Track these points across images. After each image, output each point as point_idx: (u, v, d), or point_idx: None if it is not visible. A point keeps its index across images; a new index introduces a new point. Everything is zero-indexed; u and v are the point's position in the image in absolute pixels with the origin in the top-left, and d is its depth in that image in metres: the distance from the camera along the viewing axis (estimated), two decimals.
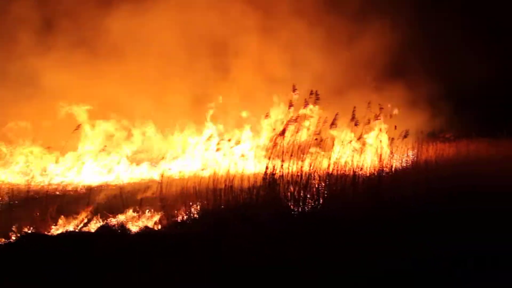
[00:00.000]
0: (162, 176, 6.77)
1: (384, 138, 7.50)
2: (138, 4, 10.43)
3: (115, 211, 6.52)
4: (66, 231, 6.06)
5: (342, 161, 7.12)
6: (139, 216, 6.54)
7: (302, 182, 6.70)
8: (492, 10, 16.13)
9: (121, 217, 6.48)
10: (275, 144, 6.55)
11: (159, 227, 6.46)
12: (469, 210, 6.47)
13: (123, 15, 10.11)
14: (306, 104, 6.77)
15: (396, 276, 4.50)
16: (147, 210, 6.64)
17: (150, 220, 6.55)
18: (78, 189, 7.16)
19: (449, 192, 7.07)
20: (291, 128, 6.72)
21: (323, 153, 6.98)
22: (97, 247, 5.53)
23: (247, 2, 11.35)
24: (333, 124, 6.87)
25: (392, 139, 7.34)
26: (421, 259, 4.91)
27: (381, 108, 7.13)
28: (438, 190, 7.17)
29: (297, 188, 6.68)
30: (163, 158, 7.71)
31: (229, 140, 6.99)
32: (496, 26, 16.32)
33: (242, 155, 6.78)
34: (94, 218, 6.29)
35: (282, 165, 6.71)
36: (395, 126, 7.50)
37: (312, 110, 6.98)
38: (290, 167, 6.79)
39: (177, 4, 10.74)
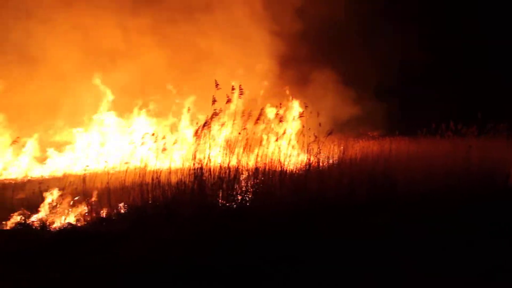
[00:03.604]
0: (85, 170, 6.57)
1: (309, 134, 7.73)
2: None
3: (35, 207, 6.26)
4: None
5: (269, 157, 7.28)
6: (61, 213, 6.32)
7: (230, 177, 6.77)
8: None
9: (41, 214, 6.23)
10: (198, 137, 6.55)
11: (83, 223, 6.28)
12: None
13: None
14: (228, 100, 6.83)
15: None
16: (70, 206, 6.43)
17: (73, 216, 6.35)
18: None
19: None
20: (216, 123, 6.76)
21: (249, 148, 7.10)
22: (12, 245, 5.30)
23: None
24: (258, 120, 6.99)
25: (316, 136, 7.60)
26: None
27: (306, 106, 7.36)
28: (359, 185, 7.54)
29: (224, 184, 6.75)
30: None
31: (153, 134, 6.90)
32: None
33: (164, 149, 6.72)
34: (11, 215, 6.00)
35: (209, 159, 6.74)
36: (320, 124, 7.77)
37: (237, 104, 7.05)
38: (216, 162, 6.84)
39: None
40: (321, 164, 8.15)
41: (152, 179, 6.60)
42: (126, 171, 6.68)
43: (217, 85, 6.66)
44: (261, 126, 7.19)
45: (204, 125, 6.57)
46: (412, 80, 17.16)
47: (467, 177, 8.09)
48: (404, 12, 16.62)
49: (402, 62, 15.37)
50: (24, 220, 6.03)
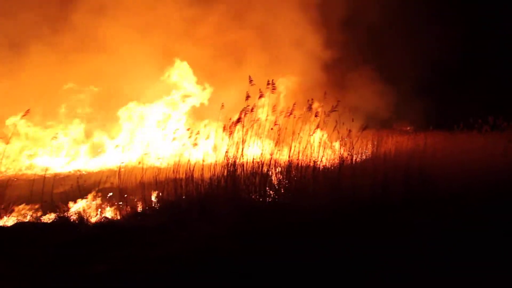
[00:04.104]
0: (121, 165, 6.66)
1: (342, 130, 7.62)
2: None
3: (72, 201, 6.40)
4: (21, 222, 5.91)
5: (302, 152, 7.21)
6: (98, 206, 6.44)
7: (262, 172, 6.75)
8: None
9: (78, 207, 6.37)
10: (231, 133, 6.56)
11: (119, 217, 6.39)
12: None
13: None
14: (261, 95, 6.80)
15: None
16: (106, 200, 6.56)
17: (109, 210, 6.47)
18: (34, 178, 6.95)
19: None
20: (249, 118, 6.75)
21: (282, 143, 7.07)
22: (53, 238, 5.43)
23: None
24: (290, 114, 6.94)
25: (350, 131, 7.48)
26: None
27: (338, 101, 7.25)
28: (393, 181, 7.39)
29: (257, 179, 6.73)
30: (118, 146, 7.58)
31: (188, 129, 6.94)
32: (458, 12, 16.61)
33: (195, 144, 6.75)
34: (51, 208, 6.15)
35: (242, 155, 6.74)
36: (353, 119, 7.66)
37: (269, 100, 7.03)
38: (250, 157, 6.83)
39: None
40: (354, 159, 8.03)
41: (186, 174, 6.65)
42: (160, 166, 6.75)
43: (251, 81, 6.65)
44: (294, 121, 7.12)
45: (237, 121, 6.57)
46: (448, 75, 16.78)
47: (506, 174, 7.83)
48: (441, 11, 16.26)
49: (438, 59, 15.00)
50: (63, 214, 6.17)
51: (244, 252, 4.86)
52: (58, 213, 6.10)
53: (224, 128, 6.71)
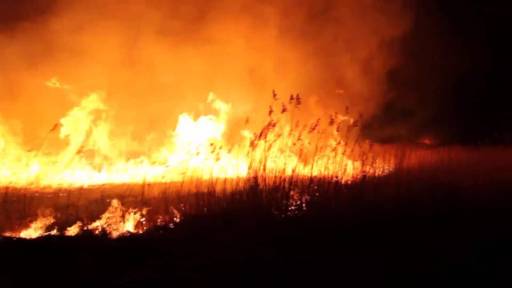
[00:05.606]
0: (144, 179, 6.71)
1: (364, 143, 7.56)
2: None
3: (96, 214, 6.45)
4: (45, 235, 5.97)
5: (324, 167, 7.16)
6: (120, 220, 6.47)
7: (285, 187, 6.71)
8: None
9: (102, 221, 6.41)
10: (254, 147, 6.57)
11: (141, 231, 6.40)
12: None
13: None
14: (284, 109, 6.81)
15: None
16: (129, 214, 6.58)
17: (132, 224, 6.49)
18: (58, 192, 7.05)
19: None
20: (272, 133, 6.75)
21: (304, 157, 7.04)
22: (77, 252, 5.45)
23: None
24: (313, 129, 6.92)
25: (371, 144, 7.42)
26: None
27: (360, 115, 7.20)
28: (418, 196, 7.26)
29: (279, 194, 6.69)
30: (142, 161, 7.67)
31: (211, 144, 6.98)
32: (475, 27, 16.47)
33: (217, 159, 6.77)
34: (75, 222, 6.21)
35: (264, 170, 6.72)
36: (375, 132, 7.61)
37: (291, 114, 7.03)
38: (271, 172, 6.81)
39: None
40: (377, 174, 7.93)
41: (208, 189, 6.66)
42: (183, 180, 6.78)
43: (274, 95, 6.68)
44: (317, 136, 7.09)
45: (260, 135, 6.57)
46: (471, 89, 16.55)
47: None
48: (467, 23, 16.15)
49: (462, 73, 14.81)
50: (86, 227, 6.21)
51: (275, 261, 4.88)
52: (82, 226, 6.15)
53: (250, 143, 6.73)
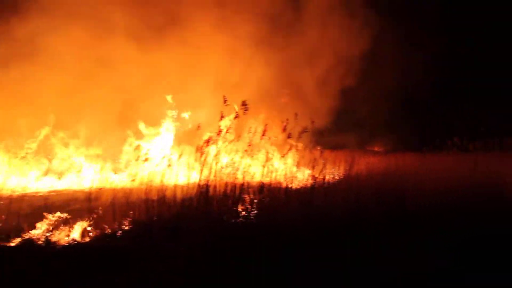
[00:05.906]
0: (91, 186, 6.56)
1: (315, 150, 7.74)
2: None
3: (39, 223, 6.24)
4: None
5: (275, 173, 7.27)
6: (66, 228, 6.29)
7: (235, 193, 6.75)
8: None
9: (44, 230, 6.20)
10: (202, 154, 6.57)
11: (87, 239, 6.25)
12: None
13: None
14: (236, 115, 6.87)
15: None
16: (75, 222, 6.41)
17: (78, 232, 6.32)
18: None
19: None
20: (223, 139, 6.78)
21: (254, 163, 7.11)
22: (17, 262, 5.26)
23: None
24: (263, 135, 7.01)
25: (322, 151, 7.59)
26: None
27: (312, 122, 7.37)
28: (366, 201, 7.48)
29: (230, 200, 6.72)
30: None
31: (163, 150, 6.92)
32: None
33: (169, 165, 6.73)
34: (15, 231, 5.97)
35: (215, 176, 6.73)
36: (325, 139, 7.81)
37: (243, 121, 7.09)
38: (222, 179, 6.83)
39: None
40: (327, 179, 8.11)
41: (158, 196, 6.59)
42: (131, 187, 6.67)
43: (225, 101, 6.71)
44: (267, 142, 7.19)
45: (208, 141, 6.59)
46: (419, 99, 17.21)
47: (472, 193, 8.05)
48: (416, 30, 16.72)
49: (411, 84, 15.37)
50: (28, 236, 6.00)
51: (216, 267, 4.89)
52: (23, 235, 5.92)
53: (197, 149, 6.72)
